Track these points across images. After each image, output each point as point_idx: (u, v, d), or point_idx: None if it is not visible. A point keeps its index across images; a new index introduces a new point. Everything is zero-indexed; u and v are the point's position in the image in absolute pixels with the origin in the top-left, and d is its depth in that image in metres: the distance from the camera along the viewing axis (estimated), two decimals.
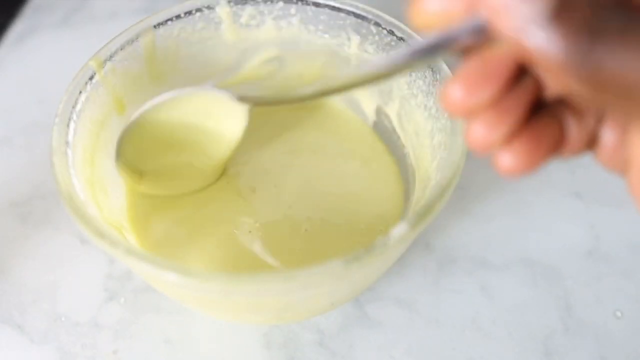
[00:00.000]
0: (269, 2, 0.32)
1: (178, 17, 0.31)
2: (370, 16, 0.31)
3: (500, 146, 0.16)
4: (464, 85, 0.16)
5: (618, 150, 0.17)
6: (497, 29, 0.15)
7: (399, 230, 0.23)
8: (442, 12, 0.16)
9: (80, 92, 0.28)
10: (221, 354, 0.30)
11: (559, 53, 0.14)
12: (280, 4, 0.32)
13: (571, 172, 0.36)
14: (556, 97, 0.17)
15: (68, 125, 0.27)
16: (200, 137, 0.31)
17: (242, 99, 0.29)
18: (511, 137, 0.16)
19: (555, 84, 0.15)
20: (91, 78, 0.29)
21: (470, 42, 0.16)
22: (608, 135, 0.17)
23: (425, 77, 0.29)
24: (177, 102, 0.30)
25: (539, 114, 0.17)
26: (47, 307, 0.32)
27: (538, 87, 0.16)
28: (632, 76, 0.13)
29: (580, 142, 0.17)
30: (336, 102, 0.36)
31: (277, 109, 0.36)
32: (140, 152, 0.30)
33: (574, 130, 0.17)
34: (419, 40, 0.17)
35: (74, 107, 0.27)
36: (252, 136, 0.35)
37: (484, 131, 0.16)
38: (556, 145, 0.17)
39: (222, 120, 0.30)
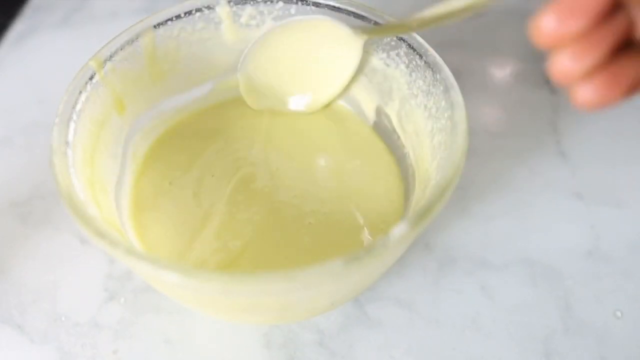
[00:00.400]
0: (269, 2, 0.32)
1: (178, 17, 0.31)
2: (370, 16, 0.31)
3: (582, 78, 0.17)
4: (557, 15, 0.17)
5: None
6: None
7: (399, 230, 0.23)
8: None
9: (80, 92, 0.28)
10: (221, 354, 0.30)
11: None
12: (280, 4, 0.32)
13: (571, 172, 0.36)
14: None
15: (68, 125, 0.27)
16: (316, 65, 0.33)
17: (358, 30, 0.31)
18: (594, 71, 0.17)
19: None
20: (91, 78, 0.29)
21: None
22: None
23: (425, 77, 0.29)
24: (298, 27, 0.32)
25: (625, 52, 0.17)
26: (47, 307, 0.32)
27: (628, 26, 0.17)
28: None
29: None
30: (336, 102, 0.36)
31: (275, 109, 0.36)
32: (261, 66, 0.33)
33: None
34: None
35: (74, 107, 0.27)
36: (254, 136, 0.35)
37: (569, 62, 0.17)
38: (636, 84, 0.17)
39: (338, 51, 0.32)
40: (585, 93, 0.17)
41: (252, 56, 0.34)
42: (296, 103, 0.35)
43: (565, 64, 0.17)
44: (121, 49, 0.30)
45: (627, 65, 0.17)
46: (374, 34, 0.31)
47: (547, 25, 0.17)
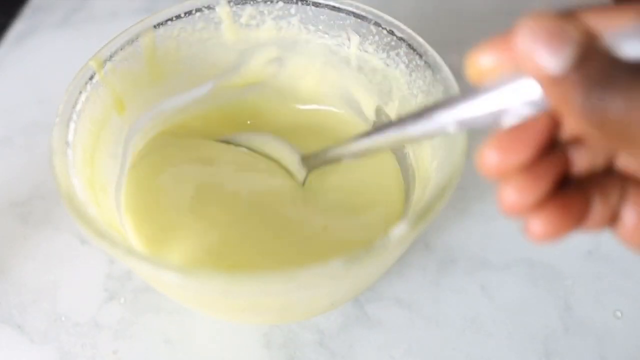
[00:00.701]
0: (269, 2, 0.32)
1: (178, 17, 0.31)
2: (370, 16, 0.31)
3: (529, 212, 0.18)
4: (499, 149, 0.17)
5: (638, 229, 0.18)
6: (523, 60, 0.16)
7: (399, 230, 0.23)
8: (492, 67, 0.18)
9: (80, 92, 0.28)
10: (221, 354, 0.30)
11: (572, 97, 0.15)
12: (280, 4, 0.32)
13: None
14: (584, 173, 0.18)
15: (68, 125, 0.27)
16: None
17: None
18: (541, 205, 0.17)
19: (571, 124, 0.17)
20: (91, 78, 0.28)
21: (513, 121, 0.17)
22: (629, 214, 0.18)
23: (425, 77, 0.29)
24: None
25: (568, 188, 0.18)
26: (47, 307, 0.32)
27: (567, 161, 0.18)
28: (631, 120, 0.15)
29: (603, 218, 0.18)
30: (336, 102, 0.36)
31: (276, 109, 0.36)
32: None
33: (599, 206, 0.18)
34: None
35: (74, 107, 0.27)
36: (254, 136, 0.35)
37: (516, 195, 0.17)
38: (582, 218, 0.18)
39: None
40: (536, 227, 0.18)
41: None
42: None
43: (512, 197, 0.18)
44: (121, 49, 0.30)
45: (572, 200, 0.18)
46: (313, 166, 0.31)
47: (489, 159, 0.18)
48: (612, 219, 0.18)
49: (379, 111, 0.34)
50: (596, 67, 0.15)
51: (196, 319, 0.31)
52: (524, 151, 0.17)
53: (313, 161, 0.31)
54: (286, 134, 0.35)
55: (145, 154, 0.33)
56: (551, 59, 0.15)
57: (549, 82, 0.16)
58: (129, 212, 0.31)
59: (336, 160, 0.29)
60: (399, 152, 0.33)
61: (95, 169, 0.28)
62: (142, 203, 0.31)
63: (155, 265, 0.22)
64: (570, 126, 0.18)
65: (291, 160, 0.32)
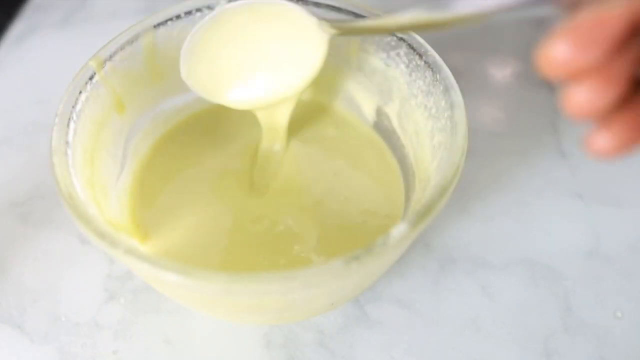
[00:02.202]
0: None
1: (178, 17, 0.31)
2: (370, 16, 0.31)
3: (600, 123, 0.15)
4: (573, 41, 0.14)
5: None
6: None
7: (399, 230, 0.23)
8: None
9: (80, 92, 0.28)
10: (221, 354, 0.30)
11: None
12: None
13: (571, 172, 0.36)
14: None
15: (68, 125, 0.27)
16: (271, 57, 0.29)
17: (325, 24, 0.27)
18: (613, 111, 0.15)
19: None
20: (91, 78, 0.29)
21: None
22: None
23: (425, 77, 0.29)
24: (255, 11, 0.28)
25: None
26: (47, 307, 0.32)
27: None
28: None
29: None
30: (336, 102, 0.36)
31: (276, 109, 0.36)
32: (208, 46, 0.29)
33: None
34: None
35: (74, 107, 0.27)
36: (254, 137, 0.35)
37: (589, 96, 0.15)
38: None
39: (299, 43, 0.28)
40: (604, 140, 0.15)
41: (200, 34, 0.29)
42: (240, 95, 0.29)
43: (585, 98, 0.15)
44: (121, 49, 0.30)
45: None
46: (344, 31, 0.28)
47: (560, 55, 0.15)
48: None
49: (379, 111, 0.34)
50: None
51: (196, 319, 0.31)
52: (601, 45, 0.14)
53: (341, 25, 0.28)
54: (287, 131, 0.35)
55: (149, 155, 0.33)
56: None
57: None
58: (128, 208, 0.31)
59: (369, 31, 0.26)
60: (399, 152, 0.33)
61: (95, 169, 0.28)
62: (144, 204, 0.31)
63: (155, 265, 0.22)
64: None
65: (307, 23, 0.28)
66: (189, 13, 0.32)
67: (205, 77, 0.29)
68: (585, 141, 0.16)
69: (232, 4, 0.29)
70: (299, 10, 0.28)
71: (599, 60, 0.14)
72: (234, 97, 0.29)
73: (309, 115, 0.36)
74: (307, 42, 0.28)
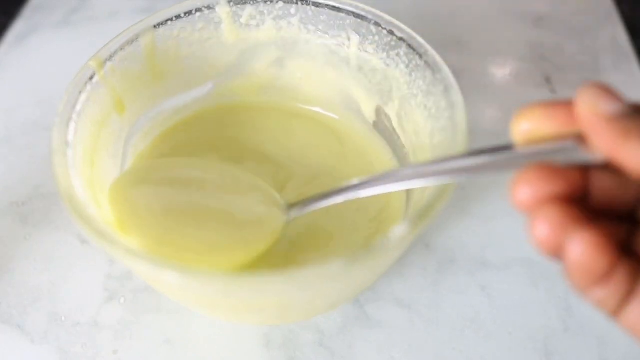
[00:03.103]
0: (269, 2, 0.32)
1: (178, 17, 0.31)
2: (370, 16, 0.31)
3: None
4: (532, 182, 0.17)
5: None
6: (593, 144, 0.17)
7: (399, 230, 0.23)
8: (535, 131, 0.18)
9: (80, 92, 0.28)
10: (221, 354, 0.30)
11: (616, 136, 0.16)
12: (280, 4, 0.32)
13: None
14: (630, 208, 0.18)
15: (68, 125, 0.27)
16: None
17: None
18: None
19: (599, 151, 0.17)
20: (91, 78, 0.29)
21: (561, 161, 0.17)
22: (636, 312, 0.17)
23: (425, 77, 0.29)
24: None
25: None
26: (47, 307, 0.32)
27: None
28: None
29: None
30: (336, 102, 0.36)
31: (276, 109, 0.36)
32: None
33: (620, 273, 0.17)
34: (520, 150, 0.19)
35: (74, 107, 0.27)
36: (255, 135, 0.35)
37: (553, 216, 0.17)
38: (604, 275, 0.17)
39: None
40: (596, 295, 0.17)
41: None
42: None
43: (542, 231, 0.17)
44: (121, 49, 0.30)
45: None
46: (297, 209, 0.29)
47: (521, 196, 0.17)
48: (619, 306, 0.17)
49: (379, 111, 0.34)
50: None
51: (196, 319, 0.31)
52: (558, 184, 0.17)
53: (296, 210, 0.29)
54: (286, 134, 0.35)
55: (149, 157, 0.33)
56: (608, 104, 0.16)
57: (603, 126, 0.16)
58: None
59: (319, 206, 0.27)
60: (399, 152, 0.33)
61: (95, 169, 0.28)
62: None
63: (155, 265, 0.22)
64: (629, 170, 0.17)
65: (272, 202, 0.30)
66: (189, 13, 0.32)
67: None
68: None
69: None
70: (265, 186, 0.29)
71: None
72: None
73: (309, 115, 0.36)
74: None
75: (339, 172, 0.33)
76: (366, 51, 0.32)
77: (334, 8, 0.31)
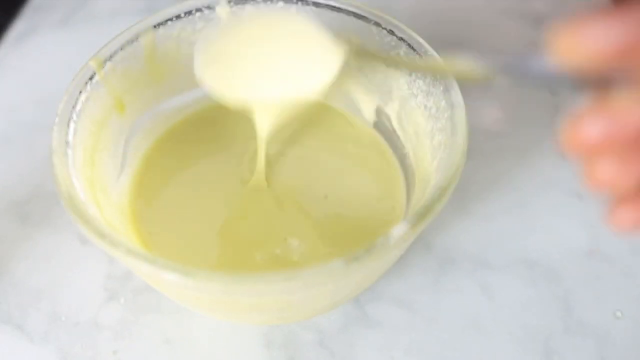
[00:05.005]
0: (269, 2, 0.32)
1: (178, 17, 0.31)
2: (370, 16, 0.31)
3: (626, 196, 0.15)
4: (602, 121, 0.15)
5: None
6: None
7: (399, 230, 0.23)
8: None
9: (80, 92, 0.28)
10: (221, 354, 0.30)
11: None
12: (280, 4, 0.32)
13: (572, 172, 0.36)
14: None
15: (68, 125, 0.27)
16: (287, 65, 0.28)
17: (342, 41, 0.27)
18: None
19: None
20: (91, 78, 0.29)
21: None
22: None
23: (425, 77, 0.29)
24: (272, 20, 0.29)
25: None
26: (47, 307, 0.32)
27: None
28: None
29: None
30: (336, 102, 0.36)
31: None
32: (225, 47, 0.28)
33: None
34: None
35: (74, 107, 0.27)
36: (254, 137, 0.35)
37: (614, 170, 0.15)
38: None
39: (315, 53, 0.28)
40: (627, 215, 0.15)
41: (219, 34, 0.29)
42: (252, 93, 0.29)
43: (610, 172, 0.15)
44: (121, 49, 0.30)
45: None
46: (360, 54, 0.28)
47: (590, 133, 0.15)
48: None
49: (379, 111, 0.34)
50: None
51: (196, 319, 0.31)
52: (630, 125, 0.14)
53: (361, 50, 0.27)
54: (287, 135, 0.35)
55: (149, 155, 0.33)
56: None
57: None
58: (128, 212, 0.31)
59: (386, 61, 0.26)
60: (399, 152, 0.33)
61: (95, 169, 0.28)
62: (143, 204, 0.31)
63: (155, 265, 0.22)
64: None
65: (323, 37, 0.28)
66: (189, 13, 0.32)
67: (220, 73, 0.29)
68: (608, 215, 0.16)
69: (252, 11, 0.30)
70: (316, 25, 0.28)
71: (632, 135, 0.14)
72: (246, 94, 0.29)
73: (309, 115, 0.36)
74: (323, 54, 0.28)
75: (338, 172, 0.33)
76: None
77: (334, 8, 0.31)
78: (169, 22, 0.31)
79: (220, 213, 0.31)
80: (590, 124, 0.15)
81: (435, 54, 0.29)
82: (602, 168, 0.15)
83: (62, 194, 0.24)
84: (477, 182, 0.36)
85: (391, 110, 0.33)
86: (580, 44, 0.14)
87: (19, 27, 0.47)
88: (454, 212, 0.35)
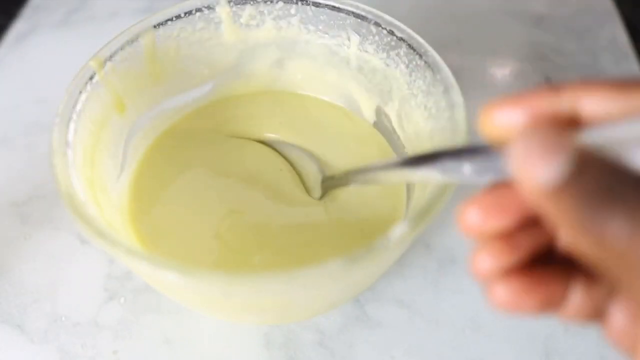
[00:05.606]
0: (269, 2, 0.32)
1: (178, 17, 0.31)
2: (370, 16, 0.31)
3: (498, 278, 0.17)
4: (481, 210, 0.17)
5: (628, 331, 0.16)
6: (516, 177, 0.15)
7: (399, 230, 0.23)
8: (503, 128, 0.17)
9: (80, 92, 0.28)
10: (221, 354, 0.30)
11: (568, 210, 0.14)
12: (280, 4, 0.32)
13: None
14: (566, 254, 0.17)
15: (68, 125, 0.27)
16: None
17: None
18: (511, 273, 0.17)
19: (563, 235, 0.16)
20: (91, 78, 0.28)
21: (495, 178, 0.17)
22: (618, 314, 0.16)
23: (425, 77, 0.29)
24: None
25: (548, 266, 0.17)
26: (47, 307, 0.32)
27: (550, 238, 0.17)
28: (625, 242, 0.13)
29: (584, 310, 0.17)
30: (336, 102, 0.36)
31: (275, 108, 0.36)
32: None
33: (579, 296, 0.17)
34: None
35: (74, 107, 0.27)
36: (254, 136, 0.35)
37: (487, 260, 0.17)
38: (552, 300, 0.17)
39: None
40: (498, 293, 0.17)
41: None
42: None
43: (485, 262, 0.17)
44: (121, 49, 0.30)
45: (546, 278, 0.17)
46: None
47: (470, 218, 0.17)
48: (597, 315, 0.17)
49: (379, 111, 0.34)
50: (595, 178, 0.14)
51: (196, 319, 0.31)
52: (506, 218, 0.17)
53: (331, 182, 0.31)
54: (287, 130, 0.35)
55: (149, 155, 0.33)
56: (545, 171, 0.14)
57: (544, 195, 0.14)
58: (128, 212, 0.31)
59: (351, 182, 0.29)
60: (399, 152, 0.33)
61: (95, 169, 0.28)
62: (143, 204, 0.31)
63: (155, 265, 0.22)
64: (565, 240, 0.16)
65: (314, 178, 0.33)
66: (189, 13, 0.32)
67: None
68: (487, 293, 0.17)
69: None
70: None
71: (501, 230, 0.17)
72: None
73: (309, 115, 0.36)
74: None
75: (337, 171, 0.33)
76: (366, 51, 0.32)
77: (334, 8, 0.31)
78: (169, 22, 0.31)
79: (220, 213, 0.31)
80: (471, 211, 0.18)
81: (435, 53, 0.29)
82: (480, 256, 0.17)
83: (62, 194, 0.24)
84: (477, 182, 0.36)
85: (391, 110, 0.33)
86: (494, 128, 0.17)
87: (19, 27, 0.47)
88: (454, 212, 0.35)
